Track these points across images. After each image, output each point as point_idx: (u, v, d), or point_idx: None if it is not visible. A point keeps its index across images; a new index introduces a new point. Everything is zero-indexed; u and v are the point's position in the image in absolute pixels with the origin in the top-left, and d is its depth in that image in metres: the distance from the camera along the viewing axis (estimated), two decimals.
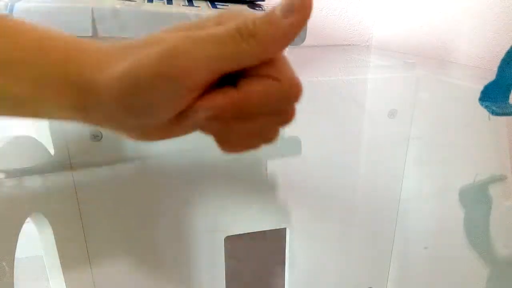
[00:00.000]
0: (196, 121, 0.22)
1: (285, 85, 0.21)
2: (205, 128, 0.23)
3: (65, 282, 0.41)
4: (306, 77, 0.50)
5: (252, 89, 0.21)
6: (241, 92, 0.21)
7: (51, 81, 0.22)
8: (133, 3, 0.44)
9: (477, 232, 0.41)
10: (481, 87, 0.43)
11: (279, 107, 0.22)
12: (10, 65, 0.22)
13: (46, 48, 0.22)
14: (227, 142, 0.24)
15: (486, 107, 0.44)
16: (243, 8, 0.48)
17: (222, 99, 0.20)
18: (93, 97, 0.21)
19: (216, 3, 0.48)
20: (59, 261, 0.40)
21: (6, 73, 0.22)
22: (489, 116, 0.44)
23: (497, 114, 0.44)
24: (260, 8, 0.49)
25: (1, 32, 0.23)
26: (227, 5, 0.48)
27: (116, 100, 0.20)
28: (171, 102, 0.20)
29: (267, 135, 0.24)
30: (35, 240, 0.39)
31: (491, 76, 0.43)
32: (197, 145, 0.46)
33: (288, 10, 0.19)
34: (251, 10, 0.48)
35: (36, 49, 0.22)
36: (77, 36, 0.24)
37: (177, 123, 0.22)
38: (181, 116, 0.22)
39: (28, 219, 0.38)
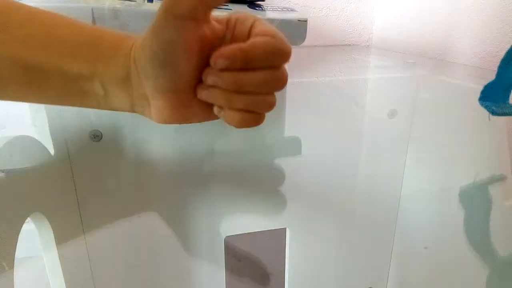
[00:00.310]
0: (213, 80, 0.28)
1: (278, 42, 0.27)
2: (218, 96, 0.29)
3: (65, 282, 0.41)
4: (306, 77, 0.50)
5: (256, 40, 0.27)
6: (248, 42, 0.27)
7: (106, 57, 0.28)
8: (133, 3, 0.44)
9: (477, 232, 0.40)
10: (481, 87, 0.43)
11: (275, 61, 0.28)
12: (77, 47, 0.28)
13: (99, 33, 0.29)
14: (236, 113, 0.29)
15: (486, 107, 0.44)
16: (244, 9, 0.48)
17: (233, 47, 0.27)
18: (137, 60, 0.27)
19: None
20: (59, 261, 0.40)
21: (75, 53, 0.28)
22: (489, 116, 0.44)
23: (497, 114, 0.44)
24: (260, 8, 0.49)
25: (61, 22, 0.29)
26: (228, 6, 0.48)
27: (149, 50, 0.26)
28: (185, 37, 0.26)
29: (267, 99, 0.29)
30: (35, 240, 0.39)
31: (491, 76, 0.43)
32: (197, 145, 0.46)
33: None
34: (251, 10, 0.48)
35: (94, 36, 0.28)
36: None
37: (196, 98, 0.29)
38: (199, 86, 0.29)
39: (28, 219, 0.38)
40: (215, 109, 0.30)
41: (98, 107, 0.31)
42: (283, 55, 0.28)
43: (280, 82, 0.29)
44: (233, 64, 0.27)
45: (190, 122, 0.31)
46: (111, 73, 0.28)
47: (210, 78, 0.28)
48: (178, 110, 0.29)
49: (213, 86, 0.28)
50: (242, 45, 0.27)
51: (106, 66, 0.28)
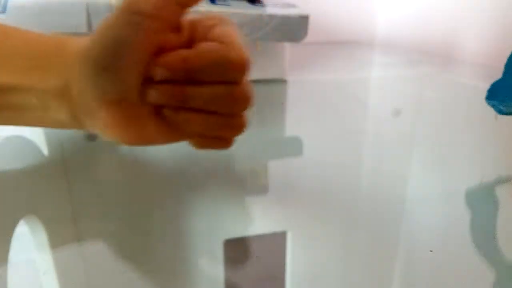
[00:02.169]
0: (157, 96, 0.23)
1: (231, 51, 0.22)
2: (172, 116, 0.24)
3: (59, 286, 0.40)
4: (308, 75, 0.50)
5: (203, 47, 0.23)
6: (193, 50, 0.23)
7: (40, 66, 0.25)
8: None
9: (484, 235, 0.40)
10: (488, 86, 0.43)
11: (226, 74, 0.23)
12: (8, 57, 0.25)
13: (35, 40, 0.26)
14: (195, 134, 0.25)
15: (493, 106, 0.43)
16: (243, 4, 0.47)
17: (175, 55, 0.22)
18: (74, 68, 0.23)
19: None
20: (53, 264, 0.40)
21: (4, 65, 0.25)
22: (495, 116, 0.43)
23: (504, 113, 0.43)
24: (260, 4, 0.48)
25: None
26: (226, 1, 0.47)
27: (92, 59, 0.22)
28: (141, 37, 0.22)
29: (232, 121, 0.25)
30: (28, 244, 0.39)
31: (498, 74, 0.42)
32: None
33: None
34: (251, 5, 0.47)
35: (28, 44, 0.26)
36: (72, 33, 0.28)
37: (149, 113, 0.24)
38: (144, 92, 0.23)
39: (21, 221, 0.37)
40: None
41: (42, 124, 0.28)
42: (236, 68, 0.23)
43: (239, 100, 0.23)
44: (174, 76, 0.22)
45: (152, 144, 0.26)
46: (45, 84, 0.24)
47: (150, 93, 0.23)
48: (127, 127, 0.24)
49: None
50: (184, 53, 0.22)
51: (40, 76, 0.24)
